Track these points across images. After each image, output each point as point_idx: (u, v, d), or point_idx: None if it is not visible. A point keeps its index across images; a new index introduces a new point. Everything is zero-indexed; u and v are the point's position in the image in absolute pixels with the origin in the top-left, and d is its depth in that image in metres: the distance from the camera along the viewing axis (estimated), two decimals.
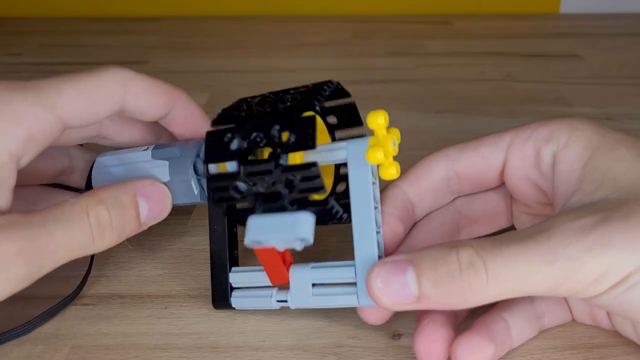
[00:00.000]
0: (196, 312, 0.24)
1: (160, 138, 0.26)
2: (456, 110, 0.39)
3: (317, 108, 0.20)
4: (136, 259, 0.26)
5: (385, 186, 0.22)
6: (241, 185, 0.21)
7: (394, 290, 0.19)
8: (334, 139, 0.24)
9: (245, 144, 0.20)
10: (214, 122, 0.22)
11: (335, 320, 0.23)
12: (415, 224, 0.24)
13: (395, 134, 0.20)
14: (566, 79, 0.43)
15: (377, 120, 0.19)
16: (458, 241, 0.19)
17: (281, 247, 0.20)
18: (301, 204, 0.20)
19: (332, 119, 0.24)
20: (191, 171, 0.23)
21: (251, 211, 0.21)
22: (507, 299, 0.21)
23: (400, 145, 0.20)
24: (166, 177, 0.23)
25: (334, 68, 0.44)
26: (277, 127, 0.20)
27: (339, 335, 0.22)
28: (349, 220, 0.21)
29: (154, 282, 0.25)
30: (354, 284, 0.20)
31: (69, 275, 0.25)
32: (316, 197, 0.21)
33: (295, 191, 0.20)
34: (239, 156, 0.20)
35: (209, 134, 0.21)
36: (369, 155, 0.19)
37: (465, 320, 0.22)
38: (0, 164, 0.19)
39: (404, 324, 0.23)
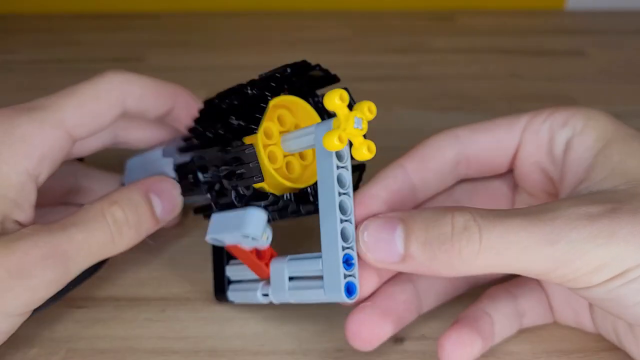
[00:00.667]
0: (194, 315, 0.23)
1: (172, 133, 0.26)
2: (459, 108, 0.38)
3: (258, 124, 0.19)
4: (132, 261, 0.26)
5: (389, 165, 0.21)
6: (200, 175, 0.21)
7: (379, 246, 0.18)
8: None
9: (209, 132, 0.21)
10: (199, 115, 0.23)
11: (337, 324, 0.23)
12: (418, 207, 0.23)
13: (364, 108, 0.18)
14: (572, 76, 0.43)
15: (333, 101, 0.17)
16: (457, 206, 0.18)
17: (243, 245, 0.21)
18: (249, 199, 0.20)
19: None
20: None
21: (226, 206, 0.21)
22: (490, 295, 0.22)
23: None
24: (172, 174, 0.23)
25: (335, 65, 0.43)
26: (232, 117, 0.20)
27: (340, 339, 0.22)
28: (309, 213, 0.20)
29: (150, 285, 0.25)
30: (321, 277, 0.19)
31: None
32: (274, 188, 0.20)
33: (234, 179, 0.19)
34: (201, 145, 0.21)
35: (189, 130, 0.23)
36: (325, 142, 0.17)
37: (465, 297, 0.21)
38: (20, 183, 0.20)
39: (406, 328, 0.22)
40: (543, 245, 0.17)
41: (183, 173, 0.22)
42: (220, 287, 0.23)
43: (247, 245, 0.21)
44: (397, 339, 0.22)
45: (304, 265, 0.20)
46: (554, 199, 0.22)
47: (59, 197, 0.26)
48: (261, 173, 0.19)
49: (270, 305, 0.22)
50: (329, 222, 0.19)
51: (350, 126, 0.17)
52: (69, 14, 0.53)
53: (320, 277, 0.19)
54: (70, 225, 0.20)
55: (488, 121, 0.22)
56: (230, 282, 0.23)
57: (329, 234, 0.19)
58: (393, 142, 0.25)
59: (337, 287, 0.18)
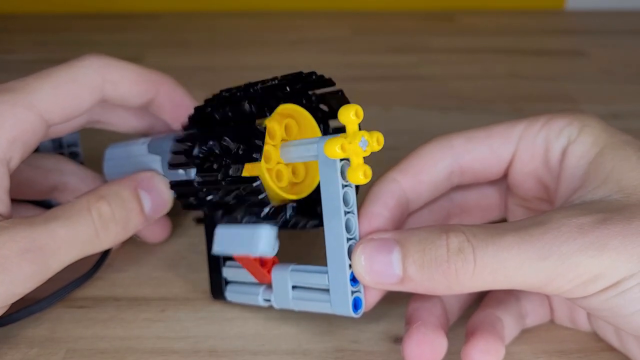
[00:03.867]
0: (193, 315, 0.23)
1: (157, 121, 0.25)
2: (459, 108, 0.38)
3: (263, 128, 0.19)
4: (132, 261, 0.26)
5: (379, 178, 0.21)
6: (200, 193, 0.21)
7: (377, 269, 0.18)
8: (327, 129, 0.22)
9: (202, 152, 0.20)
10: (189, 121, 0.22)
11: (337, 325, 0.23)
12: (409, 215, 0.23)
13: (373, 136, 0.18)
14: (572, 76, 0.43)
15: (348, 115, 0.17)
16: (451, 225, 0.18)
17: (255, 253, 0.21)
18: (257, 216, 0.20)
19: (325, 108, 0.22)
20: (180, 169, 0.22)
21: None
22: (496, 298, 0.22)
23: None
24: (161, 171, 0.23)
25: (335, 65, 0.44)
26: (227, 138, 0.19)
27: (340, 340, 0.22)
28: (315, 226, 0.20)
29: (150, 285, 0.25)
30: (328, 290, 0.19)
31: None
32: (286, 195, 0.20)
33: (244, 204, 0.20)
34: (197, 164, 0.20)
35: (176, 140, 0.22)
36: (326, 147, 0.17)
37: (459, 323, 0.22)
38: None
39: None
40: (536, 260, 0.17)
41: (182, 192, 0.22)
42: (218, 287, 0.23)
43: (253, 255, 0.21)
44: (397, 338, 0.22)
45: (308, 278, 0.20)
46: (546, 204, 0.22)
47: (44, 193, 0.25)
48: (269, 201, 0.19)
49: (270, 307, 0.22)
50: (335, 241, 0.19)
51: (356, 143, 0.17)
52: (69, 14, 0.53)
53: (325, 290, 0.19)
54: (52, 219, 0.19)
55: (483, 129, 0.22)
56: (227, 282, 0.23)
57: (336, 252, 0.19)
58: (392, 142, 0.25)
59: (345, 303, 0.19)
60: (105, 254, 0.24)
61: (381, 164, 0.21)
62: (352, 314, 0.19)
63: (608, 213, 0.17)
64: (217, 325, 0.23)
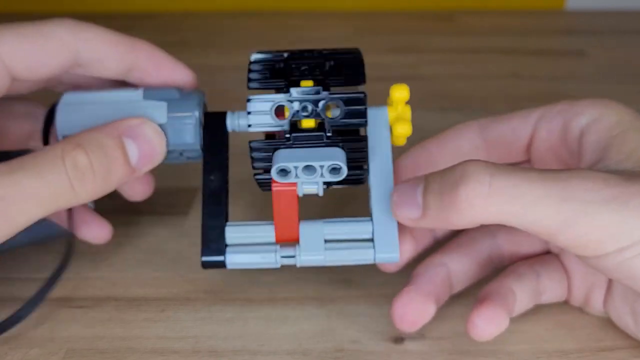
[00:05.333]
0: (193, 315, 0.23)
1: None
2: (459, 108, 0.38)
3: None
4: (132, 261, 0.26)
5: (412, 147, 0.24)
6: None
7: (404, 202, 0.19)
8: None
9: (292, 71, 0.20)
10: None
11: (337, 324, 0.23)
12: None
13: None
14: (572, 76, 0.43)
15: (405, 92, 0.21)
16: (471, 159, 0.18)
17: (301, 191, 0.20)
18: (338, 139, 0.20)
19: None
20: (198, 112, 0.21)
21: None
22: (515, 271, 0.22)
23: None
24: (162, 119, 0.21)
25: None
26: (329, 62, 0.21)
27: (340, 340, 0.22)
28: (361, 182, 0.21)
29: (150, 285, 0.25)
30: (370, 240, 0.20)
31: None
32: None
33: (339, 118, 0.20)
34: (285, 78, 0.20)
35: (251, 62, 0.21)
36: (397, 128, 0.21)
37: (464, 295, 0.23)
38: None
39: None
40: (555, 200, 0.16)
41: (261, 151, 0.20)
42: (215, 252, 0.20)
43: (309, 189, 0.20)
44: (397, 338, 0.22)
45: (346, 227, 0.21)
46: None
47: (18, 142, 0.24)
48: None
49: (271, 299, 0.22)
50: (383, 189, 0.21)
51: (407, 112, 0.21)
52: (69, 14, 0.53)
53: (362, 240, 0.20)
54: (18, 169, 0.17)
55: (508, 113, 0.23)
56: (226, 246, 0.21)
57: (384, 199, 0.20)
58: None
59: (393, 246, 0.20)
60: (70, 244, 0.22)
61: None
62: (398, 259, 0.20)
63: (634, 174, 0.17)
64: (217, 325, 0.23)
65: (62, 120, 0.21)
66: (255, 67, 0.21)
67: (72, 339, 0.22)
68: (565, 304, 0.23)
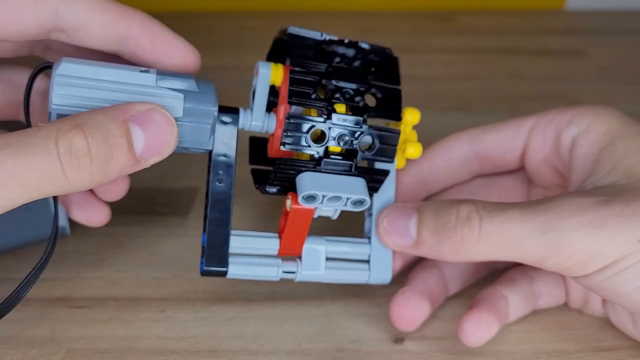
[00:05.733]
0: (193, 315, 0.23)
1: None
2: (459, 108, 0.38)
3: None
4: (132, 261, 0.26)
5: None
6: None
7: (396, 231, 0.20)
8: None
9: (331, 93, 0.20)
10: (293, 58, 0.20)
11: (336, 325, 0.23)
12: (429, 197, 0.25)
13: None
14: (572, 76, 0.42)
15: (416, 116, 0.21)
16: (464, 199, 0.20)
17: (318, 213, 0.21)
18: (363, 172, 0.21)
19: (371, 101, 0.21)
20: (216, 112, 0.19)
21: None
22: (509, 277, 0.23)
23: None
24: (178, 113, 0.19)
25: None
26: (363, 87, 0.20)
27: (340, 340, 0.22)
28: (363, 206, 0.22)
29: (150, 285, 0.25)
30: (366, 261, 0.22)
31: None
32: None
33: (371, 151, 0.20)
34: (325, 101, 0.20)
35: (292, 72, 0.19)
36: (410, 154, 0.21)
37: (463, 296, 0.23)
38: None
39: None
40: (536, 233, 0.18)
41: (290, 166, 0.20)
42: (219, 260, 0.20)
43: (327, 212, 0.21)
44: (397, 338, 0.22)
45: (346, 247, 0.21)
46: (566, 191, 0.23)
47: (16, 112, 0.22)
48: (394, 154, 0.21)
49: (271, 299, 0.22)
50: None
51: (414, 135, 0.22)
52: None
53: (359, 261, 0.22)
54: (4, 146, 0.16)
55: (500, 122, 0.24)
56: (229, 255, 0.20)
57: None
58: None
59: (386, 269, 0.22)
60: (54, 235, 0.20)
61: None
62: (389, 280, 0.22)
63: (610, 196, 0.18)
64: (217, 325, 0.23)
65: (58, 96, 0.18)
66: (296, 79, 0.19)
67: (72, 339, 0.22)
68: (564, 305, 0.23)
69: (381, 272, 0.22)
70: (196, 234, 0.28)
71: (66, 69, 0.18)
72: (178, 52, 0.20)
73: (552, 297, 0.23)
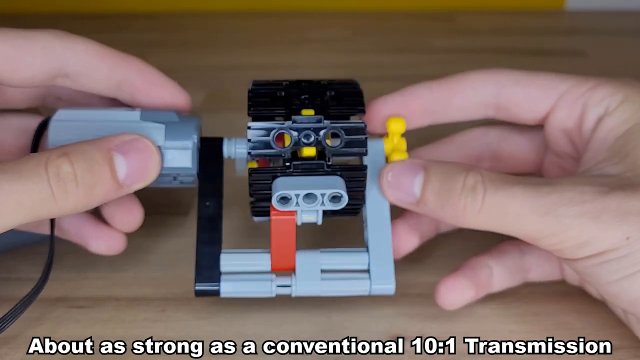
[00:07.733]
0: (194, 315, 0.23)
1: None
2: None
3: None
4: (132, 260, 0.26)
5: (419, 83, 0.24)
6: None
7: (400, 187, 0.20)
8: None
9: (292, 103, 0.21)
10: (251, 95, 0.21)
11: (337, 324, 0.23)
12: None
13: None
14: None
15: (401, 125, 0.21)
16: (473, 166, 0.20)
17: (300, 219, 0.20)
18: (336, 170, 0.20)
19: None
20: (196, 137, 0.21)
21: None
22: (499, 248, 0.23)
23: None
24: (159, 142, 0.20)
25: (336, 65, 0.43)
26: (330, 92, 0.21)
27: (340, 340, 0.22)
28: (357, 212, 0.22)
29: (150, 285, 0.25)
30: (365, 271, 0.21)
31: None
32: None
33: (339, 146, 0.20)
34: (286, 106, 0.20)
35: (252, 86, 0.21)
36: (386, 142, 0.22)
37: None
38: None
39: (405, 327, 0.22)
40: (534, 214, 0.18)
41: (262, 173, 0.20)
42: (210, 279, 0.20)
43: (308, 217, 0.20)
44: (397, 339, 0.22)
45: (342, 258, 0.21)
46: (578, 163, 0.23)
47: (15, 156, 0.23)
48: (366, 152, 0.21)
49: (271, 303, 0.22)
50: (379, 220, 0.21)
51: (403, 144, 0.22)
52: (69, 14, 0.53)
53: (358, 271, 0.21)
54: (1, 171, 0.17)
55: (531, 73, 0.23)
56: (220, 274, 0.21)
57: (380, 229, 0.21)
58: None
59: (389, 278, 0.21)
60: (51, 255, 0.22)
61: None
62: (393, 291, 0.21)
63: (612, 187, 0.18)
64: (217, 326, 0.23)
65: (55, 137, 0.21)
66: (255, 94, 0.21)
67: (72, 339, 0.22)
68: (564, 306, 0.23)
69: (384, 283, 0.21)
70: (195, 234, 0.28)
71: (61, 115, 0.21)
72: (171, 95, 0.22)
73: (544, 270, 0.23)
